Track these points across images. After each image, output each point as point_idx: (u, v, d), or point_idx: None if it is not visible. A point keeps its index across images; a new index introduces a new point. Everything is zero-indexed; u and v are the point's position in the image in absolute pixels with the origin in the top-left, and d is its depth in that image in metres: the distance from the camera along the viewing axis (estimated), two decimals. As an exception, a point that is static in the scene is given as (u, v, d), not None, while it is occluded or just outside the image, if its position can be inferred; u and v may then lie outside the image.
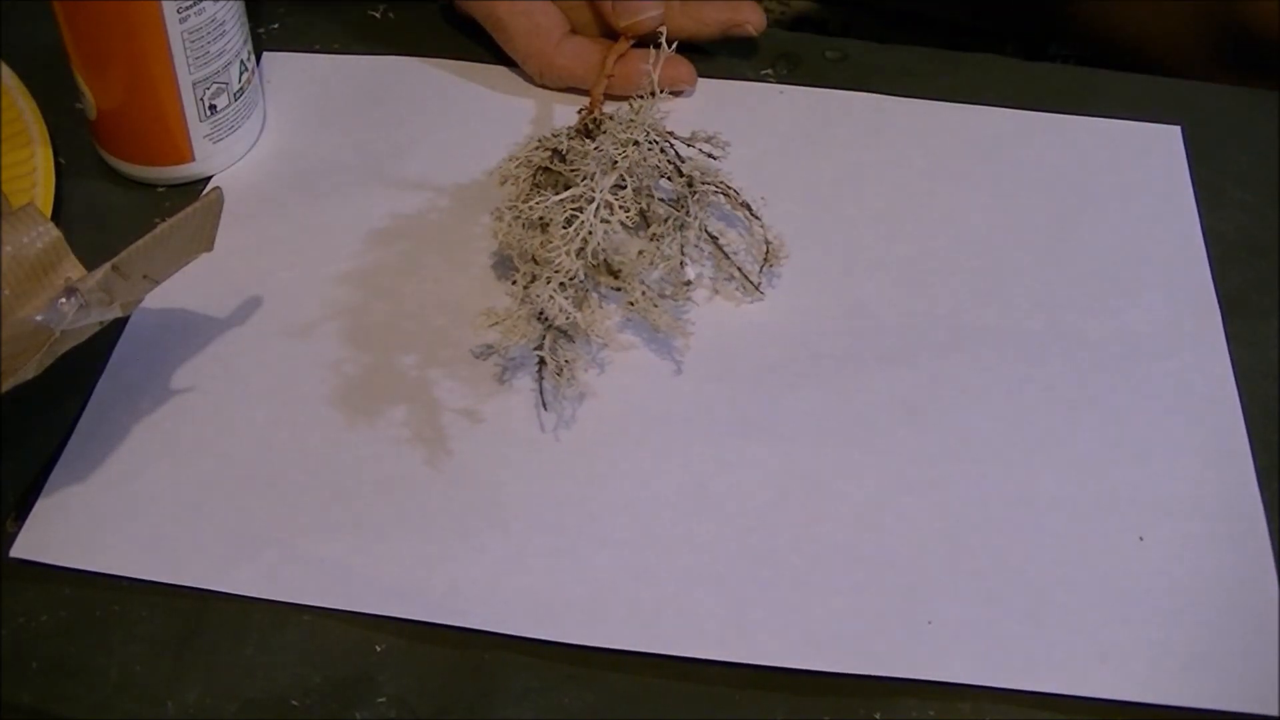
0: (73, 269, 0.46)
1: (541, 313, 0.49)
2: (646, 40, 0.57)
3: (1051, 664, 0.44)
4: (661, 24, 0.58)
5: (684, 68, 0.61)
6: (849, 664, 0.44)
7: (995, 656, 0.44)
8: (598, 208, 0.50)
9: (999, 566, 0.46)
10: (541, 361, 0.49)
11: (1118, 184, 0.58)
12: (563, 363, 0.49)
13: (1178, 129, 0.60)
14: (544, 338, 0.49)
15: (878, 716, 0.43)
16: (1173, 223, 0.57)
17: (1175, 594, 0.46)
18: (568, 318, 0.48)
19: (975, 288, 0.54)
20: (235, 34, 0.56)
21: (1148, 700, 0.43)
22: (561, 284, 0.48)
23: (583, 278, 0.49)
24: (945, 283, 0.55)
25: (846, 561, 0.46)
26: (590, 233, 0.49)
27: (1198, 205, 0.57)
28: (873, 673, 0.44)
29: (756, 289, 0.54)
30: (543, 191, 0.51)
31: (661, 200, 0.53)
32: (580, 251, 0.49)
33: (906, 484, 0.48)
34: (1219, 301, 0.54)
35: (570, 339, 0.50)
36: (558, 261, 0.49)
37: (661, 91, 0.54)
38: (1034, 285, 0.54)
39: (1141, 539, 0.47)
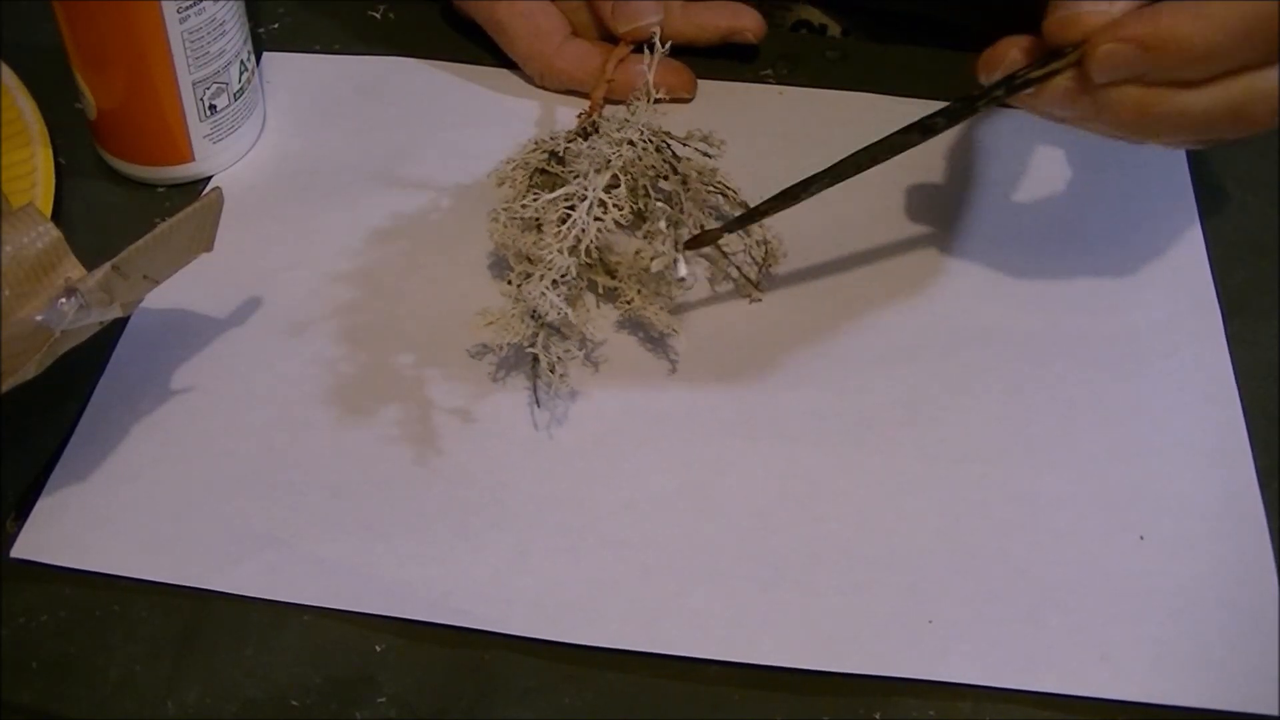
0: (73, 269, 0.46)
1: (534, 310, 0.49)
2: (648, 45, 0.57)
3: (1051, 664, 0.44)
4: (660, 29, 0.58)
5: (683, 76, 0.61)
6: (849, 664, 0.44)
7: (995, 656, 0.44)
8: (590, 206, 0.50)
9: (999, 566, 0.46)
10: (534, 359, 0.49)
11: (1118, 183, 0.58)
12: (555, 360, 0.49)
13: (1178, 129, 0.60)
14: (537, 335, 0.49)
15: (878, 716, 0.43)
16: (1173, 222, 0.57)
17: (1175, 593, 0.46)
18: (560, 314, 0.48)
19: (975, 288, 0.54)
20: (235, 34, 0.56)
21: (1148, 700, 0.43)
22: (554, 281, 0.49)
23: (575, 275, 0.49)
24: (945, 283, 0.55)
25: (846, 561, 0.46)
26: (583, 230, 0.49)
27: (1198, 205, 0.57)
28: (873, 673, 0.44)
29: (755, 288, 0.54)
30: (539, 192, 0.51)
31: (659, 200, 0.53)
32: (573, 249, 0.49)
33: (906, 484, 0.48)
34: (1219, 301, 0.54)
35: (563, 336, 0.50)
36: (550, 259, 0.49)
37: (659, 95, 0.54)
38: (1034, 285, 0.54)
39: (1142, 538, 0.47)
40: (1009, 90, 0.47)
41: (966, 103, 0.48)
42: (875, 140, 0.49)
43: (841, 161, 0.49)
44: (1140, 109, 0.45)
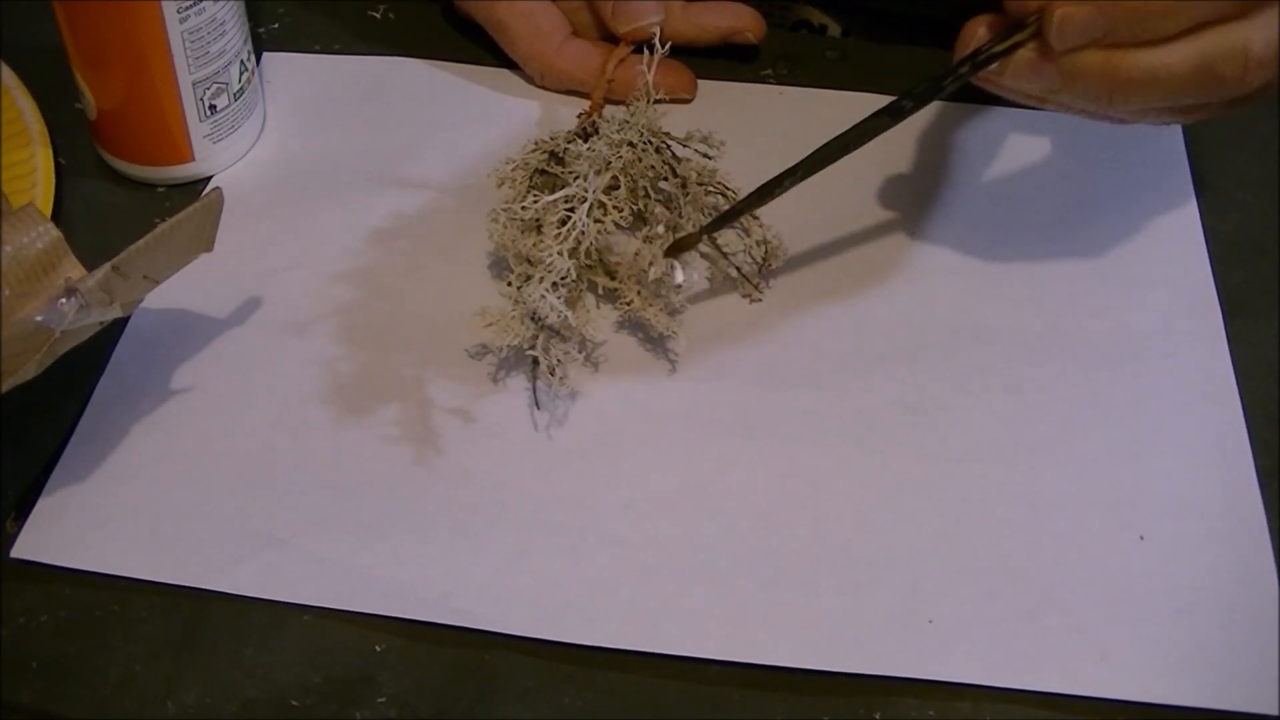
0: (73, 269, 0.46)
1: (534, 312, 0.49)
2: (648, 46, 0.57)
3: (1051, 664, 0.44)
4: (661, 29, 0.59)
5: (683, 76, 0.61)
6: (849, 664, 0.44)
7: (995, 656, 0.44)
8: (590, 207, 0.50)
9: (999, 566, 0.46)
10: (534, 361, 0.49)
11: (1118, 183, 0.58)
12: (555, 362, 0.49)
13: (1178, 127, 0.60)
14: (536, 337, 0.49)
15: (878, 716, 0.43)
16: (1173, 222, 0.57)
17: (1175, 594, 0.46)
18: (559, 316, 0.48)
19: (975, 288, 0.54)
20: (235, 34, 0.56)
21: (1148, 700, 0.43)
22: (554, 283, 0.49)
23: (575, 277, 0.49)
24: (945, 283, 0.55)
25: (846, 561, 0.46)
26: (583, 232, 0.49)
27: (1198, 205, 0.57)
28: (873, 672, 0.44)
29: (755, 289, 0.54)
30: (538, 193, 0.51)
31: (659, 201, 0.53)
32: (573, 251, 0.49)
33: (906, 484, 0.48)
34: (1219, 301, 0.54)
35: (563, 338, 0.50)
36: (550, 261, 0.49)
37: (659, 96, 0.54)
38: (1034, 285, 0.54)
39: (1142, 538, 0.47)
40: (974, 67, 0.46)
41: (933, 84, 0.47)
42: (845, 129, 0.48)
43: (815, 153, 0.49)
44: (1106, 73, 0.44)
